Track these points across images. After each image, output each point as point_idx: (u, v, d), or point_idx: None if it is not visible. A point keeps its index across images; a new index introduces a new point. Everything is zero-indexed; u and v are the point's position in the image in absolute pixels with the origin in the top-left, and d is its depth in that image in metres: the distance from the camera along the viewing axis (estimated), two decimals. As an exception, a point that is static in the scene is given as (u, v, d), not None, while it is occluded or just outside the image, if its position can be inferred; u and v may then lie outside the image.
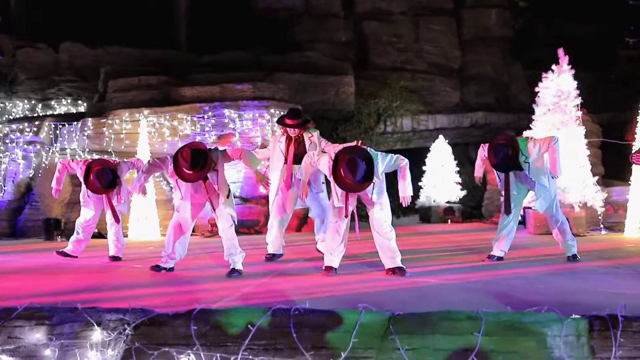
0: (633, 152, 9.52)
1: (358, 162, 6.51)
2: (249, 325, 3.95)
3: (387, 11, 21.63)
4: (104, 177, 8.72)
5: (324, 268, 7.08)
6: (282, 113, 15.09)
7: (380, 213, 6.90)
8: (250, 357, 3.88)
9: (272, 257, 8.58)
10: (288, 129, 8.55)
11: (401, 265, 6.93)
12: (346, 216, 6.92)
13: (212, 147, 7.41)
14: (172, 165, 6.99)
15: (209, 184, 7.15)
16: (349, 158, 6.55)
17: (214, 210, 7.33)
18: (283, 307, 4.07)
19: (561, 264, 7.76)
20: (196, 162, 6.86)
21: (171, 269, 7.49)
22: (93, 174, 8.71)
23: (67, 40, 18.98)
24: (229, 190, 7.36)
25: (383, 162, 6.80)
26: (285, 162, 8.51)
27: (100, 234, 13.43)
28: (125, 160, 9.92)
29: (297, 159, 8.36)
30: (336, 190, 6.84)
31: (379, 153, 6.90)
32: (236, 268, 7.20)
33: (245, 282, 6.58)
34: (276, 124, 15.00)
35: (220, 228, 7.39)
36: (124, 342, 4.04)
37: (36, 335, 4.05)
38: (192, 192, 7.22)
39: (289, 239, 9.90)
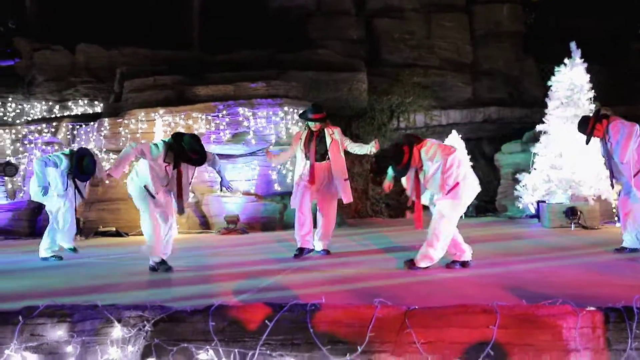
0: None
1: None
2: (266, 321, 3.97)
3: (399, 8, 21.58)
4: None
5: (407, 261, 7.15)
6: (295, 110, 15.17)
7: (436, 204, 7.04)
8: (268, 352, 3.90)
9: (300, 252, 8.53)
10: (310, 123, 8.60)
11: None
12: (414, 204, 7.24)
13: None
14: (176, 150, 7.13)
15: (180, 175, 7.29)
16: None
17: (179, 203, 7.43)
18: (300, 302, 4.09)
19: (576, 257, 7.73)
20: (202, 148, 7.32)
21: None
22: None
23: (83, 42, 19.09)
24: None
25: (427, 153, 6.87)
26: (307, 159, 8.55)
27: (119, 233, 13.55)
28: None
29: (319, 156, 8.49)
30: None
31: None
32: (168, 264, 7.40)
33: (263, 278, 6.60)
34: (297, 120, 15.10)
35: (167, 223, 7.46)
36: (143, 338, 4.06)
37: (58, 333, 4.09)
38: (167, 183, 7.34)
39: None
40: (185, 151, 7.14)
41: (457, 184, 6.80)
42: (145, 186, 7.27)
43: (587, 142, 8.41)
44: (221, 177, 7.99)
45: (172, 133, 7.60)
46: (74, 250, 9.47)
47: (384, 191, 7.62)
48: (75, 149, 9.64)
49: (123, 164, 7.26)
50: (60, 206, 9.26)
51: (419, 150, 6.87)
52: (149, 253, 7.44)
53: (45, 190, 9.05)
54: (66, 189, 9.15)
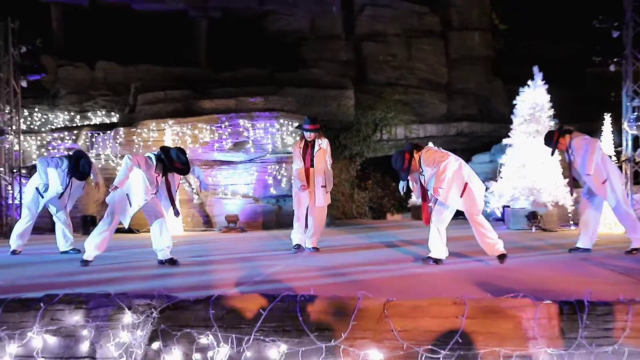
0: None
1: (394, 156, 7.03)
2: (261, 310, 3.97)
3: (383, 33, 21.70)
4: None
5: (426, 257, 7.14)
6: (290, 123, 15.20)
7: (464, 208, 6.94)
8: (262, 337, 3.90)
9: (298, 248, 8.55)
10: (305, 133, 8.64)
11: (503, 252, 6.91)
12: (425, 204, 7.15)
13: None
14: (165, 160, 7.17)
15: (168, 183, 7.33)
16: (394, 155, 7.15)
17: (174, 208, 7.46)
18: (291, 294, 4.09)
19: (535, 255, 7.77)
20: (187, 159, 7.32)
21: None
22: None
23: (102, 60, 19.05)
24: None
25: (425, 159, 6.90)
26: (304, 165, 8.56)
27: (131, 230, 13.46)
28: None
29: (312, 163, 8.54)
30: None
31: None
32: (174, 258, 7.42)
33: (258, 271, 6.59)
34: (292, 131, 15.12)
35: (160, 222, 7.45)
36: (151, 324, 4.06)
37: (75, 318, 4.08)
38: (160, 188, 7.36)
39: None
40: (173, 162, 7.19)
41: (466, 184, 6.80)
42: (127, 195, 7.27)
43: (552, 153, 8.47)
44: (200, 181, 7.98)
45: (160, 147, 7.60)
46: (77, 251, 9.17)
47: (400, 192, 7.60)
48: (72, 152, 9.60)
49: (126, 175, 7.24)
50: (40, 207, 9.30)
51: (419, 156, 6.94)
52: (88, 249, 7.45)
53: (46, 188, 8.95)
54: (65, 189, 9.06)
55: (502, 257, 6.86)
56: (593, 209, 8.05)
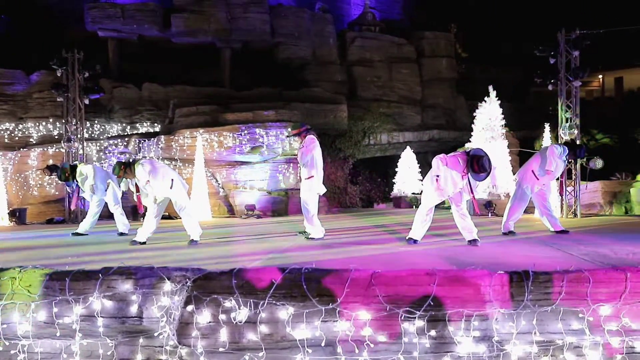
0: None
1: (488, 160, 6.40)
2: (273, 280, 3.95)
3: (370, 60, 21.66)
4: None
5: (407, 238, 6.88)
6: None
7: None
8: (274, 302, 3.88)
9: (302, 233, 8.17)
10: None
11: (475, 238, 6.61)
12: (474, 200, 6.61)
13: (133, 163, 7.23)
14: None
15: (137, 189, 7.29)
16: (483, 157, 6.37)
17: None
18: (297, 267, 4.08)
19: (491, 236, 7.74)
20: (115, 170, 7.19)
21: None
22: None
23: (147, 82, 19.02)
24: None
25: None
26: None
27: (170, 216, 13.44)
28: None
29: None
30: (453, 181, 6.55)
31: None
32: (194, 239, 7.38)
33: (271, 250, 6.57)
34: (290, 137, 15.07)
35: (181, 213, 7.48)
36: (186, 291, 4.04)
37: (126, 286, 4.06)
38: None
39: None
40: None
41: None
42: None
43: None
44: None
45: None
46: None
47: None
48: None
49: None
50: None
51: None
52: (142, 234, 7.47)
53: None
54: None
55: (472, 242, 6.59)
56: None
